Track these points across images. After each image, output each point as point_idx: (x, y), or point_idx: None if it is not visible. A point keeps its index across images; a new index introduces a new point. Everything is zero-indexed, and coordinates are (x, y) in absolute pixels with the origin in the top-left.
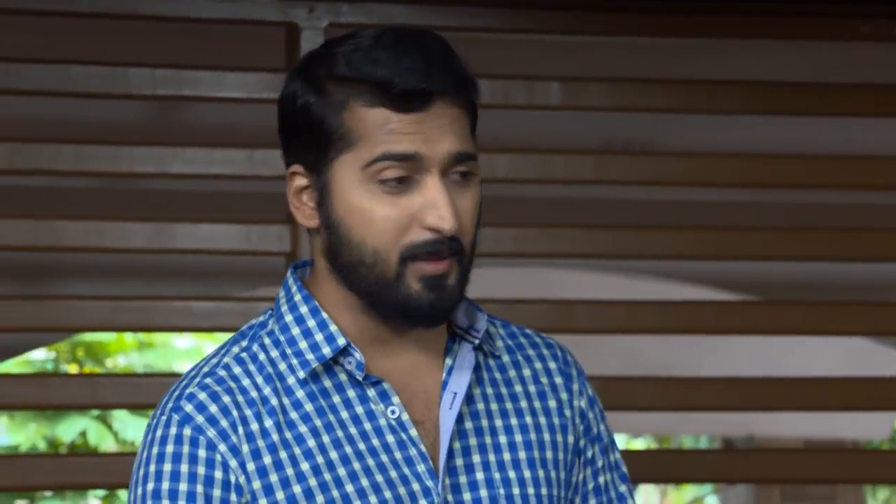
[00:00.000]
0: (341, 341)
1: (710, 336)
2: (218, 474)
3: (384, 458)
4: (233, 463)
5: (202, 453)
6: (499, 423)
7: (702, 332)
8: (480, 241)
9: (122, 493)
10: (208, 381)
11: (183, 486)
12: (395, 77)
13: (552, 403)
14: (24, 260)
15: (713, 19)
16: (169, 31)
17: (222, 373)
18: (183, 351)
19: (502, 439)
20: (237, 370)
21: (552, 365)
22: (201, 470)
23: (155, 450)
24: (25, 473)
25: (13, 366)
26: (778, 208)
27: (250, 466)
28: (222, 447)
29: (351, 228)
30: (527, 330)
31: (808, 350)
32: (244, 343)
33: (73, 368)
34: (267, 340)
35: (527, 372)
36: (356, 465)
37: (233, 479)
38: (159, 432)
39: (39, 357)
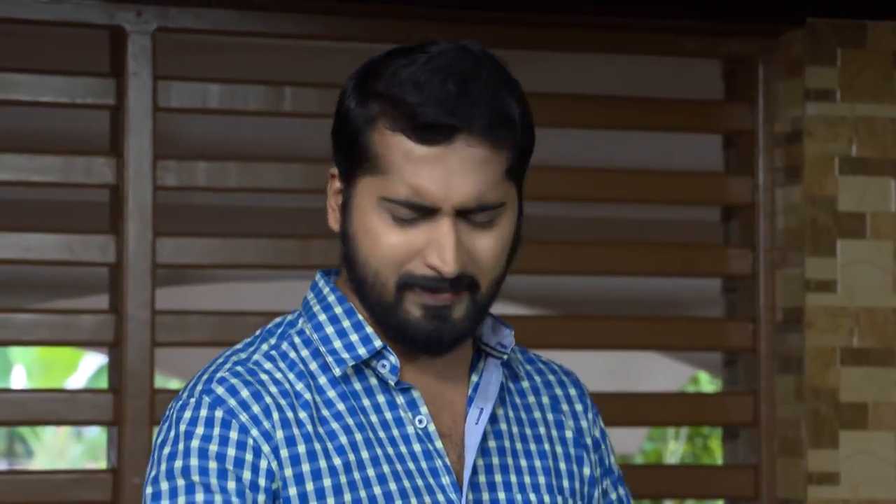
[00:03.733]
0: (378, 343)
1: None
2: (249, 457)
3: (411, 465)
4: (265, 448)
5: (234, 435)
6: (519, 446)
7: None
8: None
9: None
10: (239, 369)
11: (213, 465)
12: (420, 106)
13: (568, 434)
14: None
15: (531, 31)
16: None
17: (252, 367)
18: None
19: (523, 462)
20: (267, 366)
21: (573, 392)
22: (231, 452)
23: (182, 427)
24: None
25: None
26: (576, 222)
27: (284, 453)
28: (254, 431)
29: (359, 246)
30: (543, 358)
31: (569, 362)
32: (273, 341)
33: None
34: (297, 339)
35: (545, 399)
36: (385, 468)
37: (264, 464)
38: (188, 413)
39: None
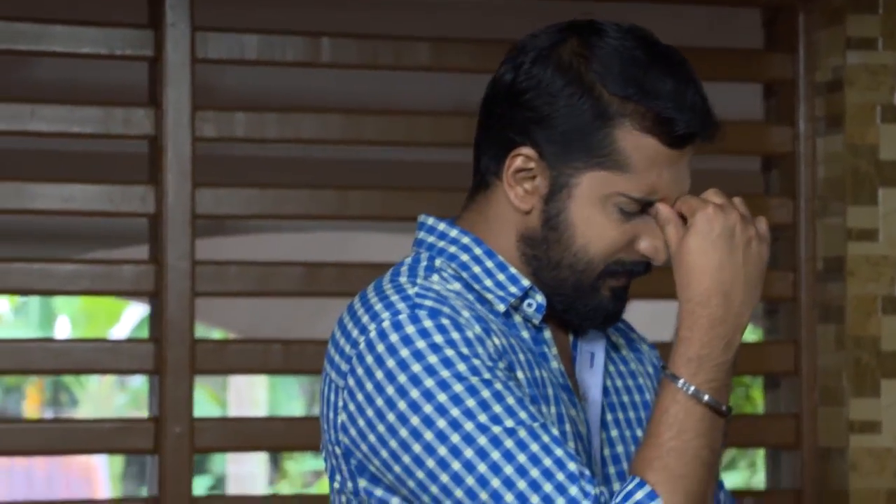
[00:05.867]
0: (525, 283)
1: None
2: (490, 345)
3: (569, 410)
4: (490, 342)
5: (469, 334)
6: (626, 398)
7: None
8: None
9: None
10: (423, 292)
11: (462, 367)
12: (680, 115)
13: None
14: None
15: None
16: None
17: (433, 293)
18: None
19: (631, 414)
20: (443, 291)
21: (644, 347)
22: (481, 349)
23: (405, 352)
24: None
25: None
26: None
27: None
28: (477, 329)
29: (576, 236)
30: (620, 325)
31: None
32: (420, 281)
33: None
34: (436, 278)
35: (633, 354)
36: (553, 409)
37: (497, 351)
38: (408, 328)
39: None
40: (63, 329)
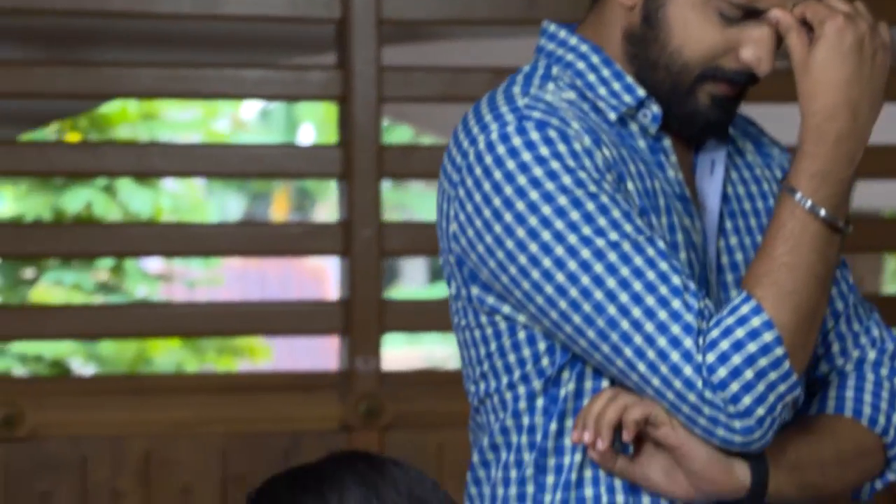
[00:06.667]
0: (641, 92)
1: None
2: (598, 157)
3: (683, 219)
4: (599, 154)
5: (577, 146)
6: (747, 206)
7: None
8: None
9: (129, 264)
10: (533, 103)
11: (567, 180)
12: None
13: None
14: (66, 26)
15: None
16: None
17: (543, 104)
18: (185, 123)
19: (759, 239)
20: (556, 101)
21: (784, 165)
22: (588, 162)
23: (511, 164)
24: (32, 242)
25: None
26: None
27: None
28: (586, 140)
29: (673, 36)
30: (750, 128)
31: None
32: (534, 91)
33: (76, 139)
34: (550, 87)
35: (764, 172)
36: (664, 220)
37: (607, 163)
38: (515, 140)
39: (46, 130)
40: (307, 136)
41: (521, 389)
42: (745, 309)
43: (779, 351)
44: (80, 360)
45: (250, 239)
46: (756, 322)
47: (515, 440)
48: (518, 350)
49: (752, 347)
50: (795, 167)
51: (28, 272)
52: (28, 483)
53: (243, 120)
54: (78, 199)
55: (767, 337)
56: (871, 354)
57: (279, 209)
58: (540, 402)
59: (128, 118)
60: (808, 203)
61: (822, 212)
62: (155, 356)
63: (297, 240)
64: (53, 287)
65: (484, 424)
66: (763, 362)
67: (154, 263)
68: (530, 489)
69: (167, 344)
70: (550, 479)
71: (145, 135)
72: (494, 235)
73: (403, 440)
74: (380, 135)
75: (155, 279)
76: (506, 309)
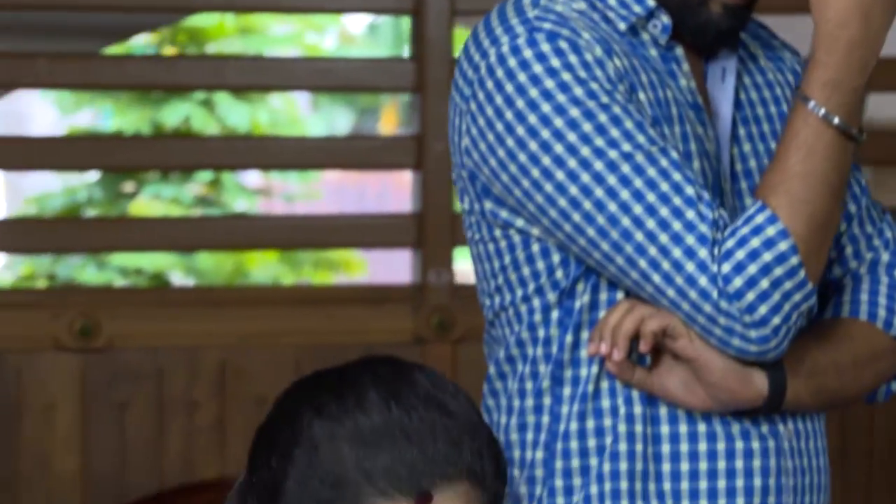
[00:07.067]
0: (651, 2)
1: None
2: (610, 67)
3: (696, 128)
4: (610, 64)
5: (588, 56)
6: (760, 111)
7: None
8: None
9: (226, 178)
10: (544, 14)
11: (578, 91)
12: None
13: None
14: None
15: None
16: None
17: (555, 15)
18: (281, 37)
19: (772, 145)
20: (566, 13)
21: (796, 69)
22: (600, 73)
23: (522, 77)
24: (131, 155)
25: (117, 50)
26: None
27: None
28: (597, 51)
29: None
30: (761, 32)
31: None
32: (543, 1)
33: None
34: None
35: (777, 77)
36: (676, 129)
37: (618, 73)
38: (526, 52)
39: (140, 43)
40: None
41: (536, 302)
42: (759, 218)
43: (794, 260)
44: (180, 273)
45: (325, 153)
46: (771, 231)
47: (531, 352)
48: (532, 263)
49: (767, 257)
50: (808, 76)
51: (127, 186)
52: (105, 393)
53: (351, 34)
54: (176, 113)
55: (783, 246)
56: (885, 256)
57: (387, 124)
58: (555, 315)
59: (224, 32)
60: (822, 111)
61: (836, 119)
62: (252, 269)
63: (369, 153)
64: (152, 201)
65: (500, 337)
66: (779, 271)
67: (253, 178)
68: (547, 401)
69: (265, 257)
70: (567, 390)
71: (241, 49)
72: (507, 149)
73: (475, 353)
74: (452, 48)
75: (253, 193)
76: (519, 222)
